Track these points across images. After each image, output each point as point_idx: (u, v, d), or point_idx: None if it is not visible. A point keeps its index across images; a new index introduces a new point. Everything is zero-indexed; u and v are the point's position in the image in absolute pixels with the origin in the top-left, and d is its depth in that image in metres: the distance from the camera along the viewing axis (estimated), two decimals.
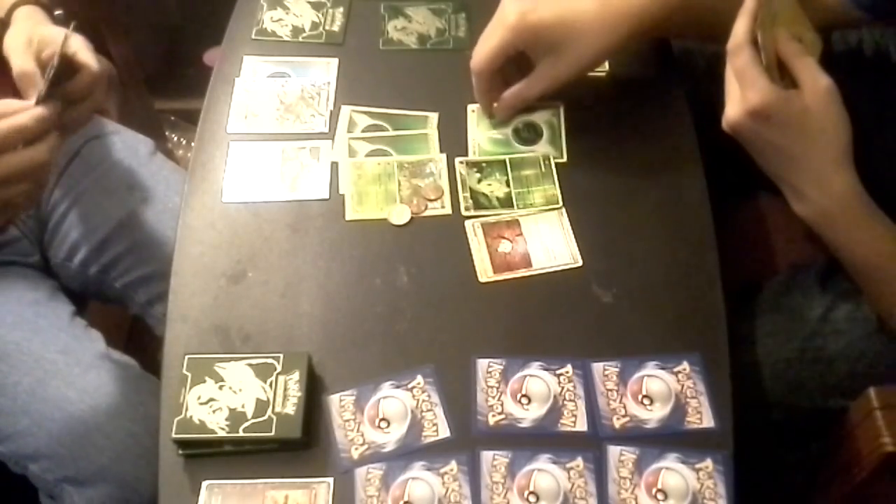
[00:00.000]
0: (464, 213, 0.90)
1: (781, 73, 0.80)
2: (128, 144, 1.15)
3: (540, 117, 0.96)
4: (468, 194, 0.91)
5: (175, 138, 1.90)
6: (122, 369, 1.00)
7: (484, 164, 0.93)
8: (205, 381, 0.76)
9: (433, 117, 0.97)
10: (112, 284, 1.11)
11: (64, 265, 1.11)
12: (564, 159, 0.94)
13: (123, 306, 1.14)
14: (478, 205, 0.90)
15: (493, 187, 0.91)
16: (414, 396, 0.78)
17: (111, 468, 0.93)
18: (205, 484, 0.73)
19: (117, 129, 1.18)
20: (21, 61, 0.82)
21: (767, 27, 0.79)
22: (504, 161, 0.93)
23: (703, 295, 0.84)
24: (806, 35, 0.83)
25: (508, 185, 0.91)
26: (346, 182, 0.92)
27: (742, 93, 0.78)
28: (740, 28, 0.79)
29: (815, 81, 0.77)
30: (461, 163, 0.93)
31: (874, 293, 0.84)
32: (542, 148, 0.94)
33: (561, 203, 0.90)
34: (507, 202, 0.90)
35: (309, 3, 1.08)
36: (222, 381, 0.76)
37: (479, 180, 0.92)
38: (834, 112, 0.77)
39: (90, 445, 0.94)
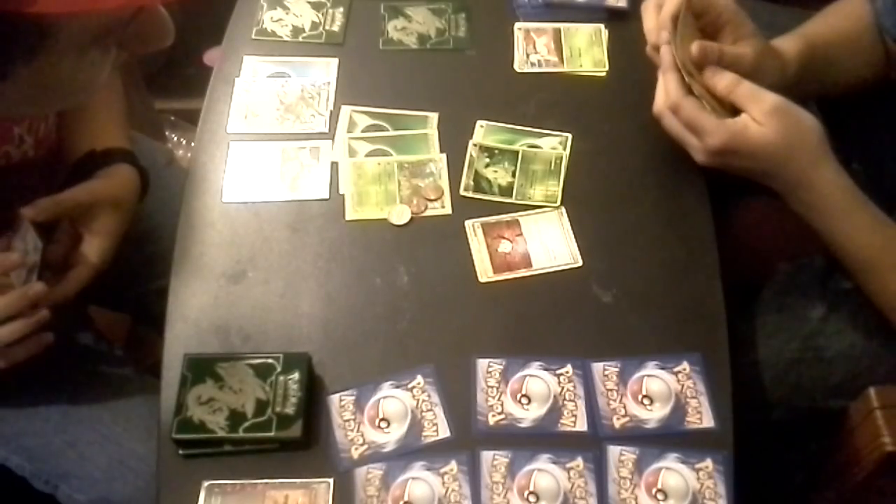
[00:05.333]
0: (462, 192, 0.90)
1: (722, 104, 0.81)
2: (145, 154, 1.14)
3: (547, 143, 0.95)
4: (472, 175, 0.91)
5: (175, 138, 1.90)
6: (152, 393, 0.99)
7: (496, 151, 0.93)
8: (205, 381, 0.76)
9: (433, 117, 0.97)
10: (127, 295, 1.10)
11: None
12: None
13: (137, 317, 1.13)
14: (477, 187, 0.90)
15: (499, 174, 0.91)
16: (414, 396, 0.78)
17: (147, 492, 0.89)
18: (205, 484, 0.73)
19: (135, 137, 1.16)
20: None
21: (695, 72, 0.81)
22: (517, 152, 0.93)
23: (703, 295, 0.84)
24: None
25: (514, 176, 0.92)
26: (346, 182, 0.92)
27: (700, 140, 0.80)
28: (671, 84, 0.80)
29: (762, 104, 0.77)
30: (474, 145, 0.93)
31: (871, 287, 0.84)
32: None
33: (559, 203, 0.90)
34: (507, 191, 0.91)
35: (309, 3, 1.08)
36: (222, 381, 0.76)
37: (487, 165, 0.92)
38: (792, 122, 0.78)
39: (125, 468, 0.91)
